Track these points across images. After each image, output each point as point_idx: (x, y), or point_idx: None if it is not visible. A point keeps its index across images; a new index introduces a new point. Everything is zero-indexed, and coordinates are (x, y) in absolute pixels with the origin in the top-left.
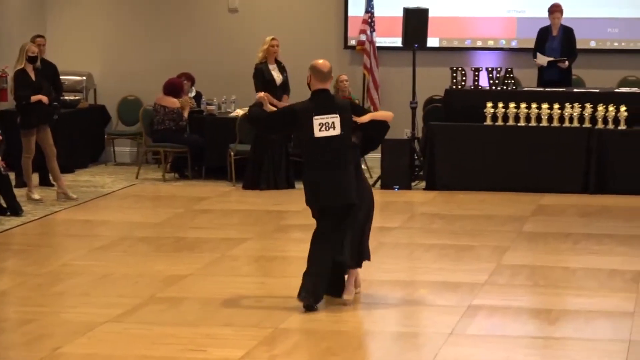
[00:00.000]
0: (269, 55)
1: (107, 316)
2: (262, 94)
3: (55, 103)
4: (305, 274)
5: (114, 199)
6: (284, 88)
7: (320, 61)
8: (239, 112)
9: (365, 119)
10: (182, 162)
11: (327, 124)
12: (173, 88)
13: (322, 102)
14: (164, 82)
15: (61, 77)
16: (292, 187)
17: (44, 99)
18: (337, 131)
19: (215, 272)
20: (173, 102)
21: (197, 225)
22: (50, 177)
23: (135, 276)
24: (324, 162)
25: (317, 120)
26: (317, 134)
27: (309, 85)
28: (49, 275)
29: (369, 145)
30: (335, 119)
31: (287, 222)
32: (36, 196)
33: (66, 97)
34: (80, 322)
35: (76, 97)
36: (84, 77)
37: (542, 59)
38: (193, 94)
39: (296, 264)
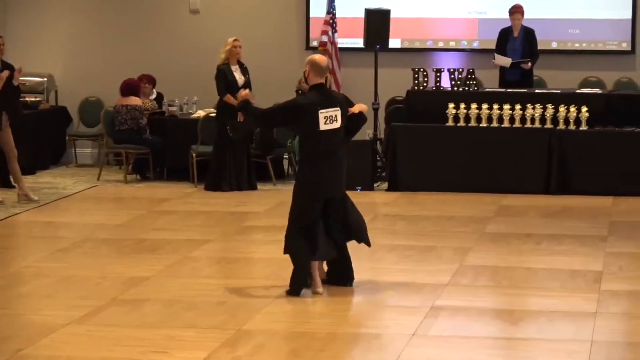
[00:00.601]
0: (231, 56)
1: (69, 318)
2: (244, 92)
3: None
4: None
5: (75, 200)
6: (246, 89)
7: (317, 56)
8: (201, 113)
9: (355, 109)
10: (144, 163)
11: (331, 117)
12: (130, 88)
13: (325, 96)
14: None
15: (22, 78)
16: (254, 188)
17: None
18: (338, 124)
19: (178, 274)
20: (135, 100)
21: (159, 226)
22: (11, 179)
23: (97, 278)
24: (328, 153)
25: (323, 114)
26: (323, 127)
27: (306, 79)
28: (11, 277)
29: (347, 138)
30: (337, 112)
31: (250, 224)
32: None
33: (27, 99)
34: (42, 324)
35: (37, 99)
36: (45, 79)
37: (504, 60)
38: (154, 95)
39: (259, 266)
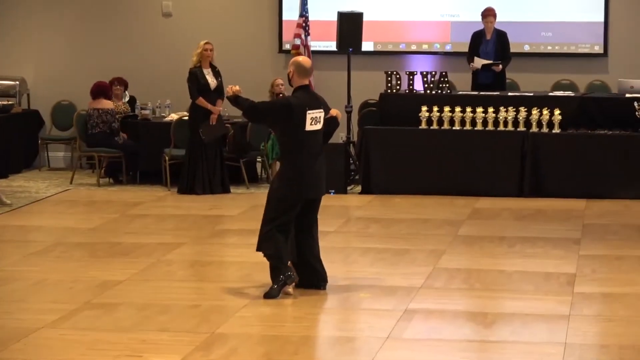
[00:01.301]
0: (202, 60)
1: (42, 322)
2: (235, 87)
3: None
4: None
5: (48, 204)
6: (219, 92)
7: (301, 58)
8: (174, 116)
9: (332, 113)
10: (117, 167)
11: (315, 119)
12: (101, 91)
13: (311, 97)
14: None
15: None
16: (228, 191)
17: None
18: (320, 125)
19: (151, 278)
20: (107, 103)
21: (132, 230)
22: None
23: (70, 282)
24: (311, 155)
25: (310, 115)
26: (308, 127)
27: (289, 81)
28: None
29: (324, 141)
30: (321, 114)
31: (223, 227)
32: None
33: None
34: (15, 328)
35: (9, 102)
36: (17, 82)
37: (477, 62)
38: (127, 98)
39: (232, 269)
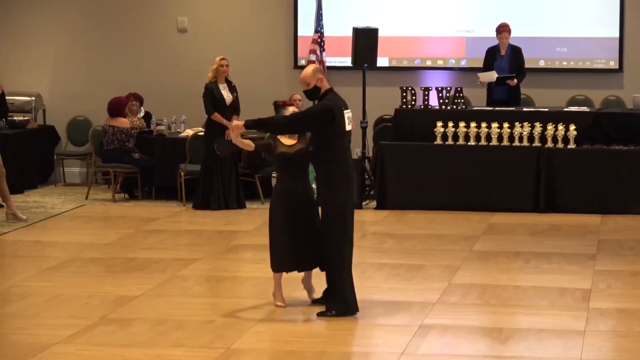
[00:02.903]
0: (218, 75)
1: (57, 337)
2: (239, 122)
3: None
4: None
5: (63, 219)
6: (235, 108)
7: (314, 65)
8: (189, 132)
9: None
10: (132, 182)
11: (349, 118)
12: (117, 108)
13: (339, 98)
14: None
15: (9, 97)
16: (243, 207)
17: None
18: (351, 127)
19: (166, 293)
20: (123, 122)
21: (148, 245)
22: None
23: (86, 297)
24: (349, 156)
25: (346, 114)
26: (347, 127)
27: (316, 86)
28: None
29: None
30: (350, 114)
31: (238, 242)
32: None
33: (15, 118)
34: (30, 343)
35: (25, 118)
36: (33, 98)
37: (488, 76)
38: (142, 114)
39: (247, 284)
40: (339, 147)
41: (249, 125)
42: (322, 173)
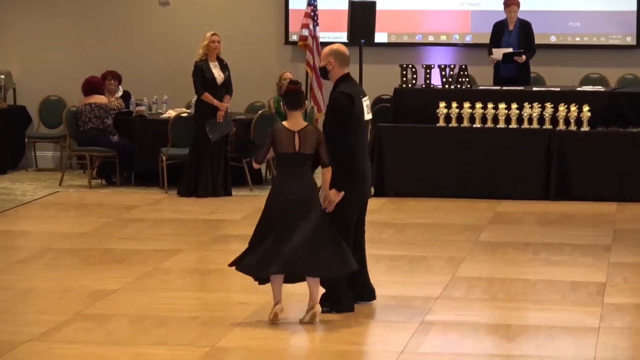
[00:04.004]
0: (209, 52)
1: (29, 335)
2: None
3: None
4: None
5: (35, 207)
6: (226, 87)
7: (337, 45)
8: (171, 113)
9: None
10: (110, 167)
11: (368, 106)
12: (92, 87)
13: (356, 85)
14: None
15: None
16: (230, 194)
17: None
18: (370, 115)
19: (147, 287)
20: (99, 98)
21: (127, 235)
22: None
23: (60, 291)
24: (365, 147)
25: (365, 103)
26: (366, 116)
27: (328, 72)
28: None
29: None
30: (368, 102)
31: (225, 232)
32: None
33: None
34: (0, 341)
35: None
36: (2, 76)
37: (497, 53)
38: (120, 93)
39: (234, 278)
40: (351, 139)
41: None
42: (334, 164)
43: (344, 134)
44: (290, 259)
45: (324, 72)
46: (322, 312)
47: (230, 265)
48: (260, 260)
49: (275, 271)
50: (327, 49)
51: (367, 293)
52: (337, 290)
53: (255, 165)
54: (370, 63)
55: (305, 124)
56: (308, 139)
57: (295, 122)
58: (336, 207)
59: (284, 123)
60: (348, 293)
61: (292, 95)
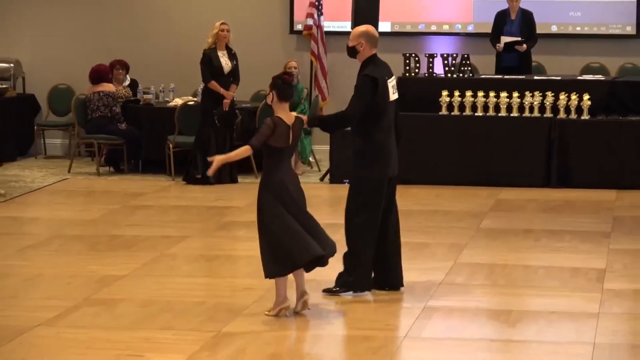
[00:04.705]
0: (218, 41)
1: (38, 320)
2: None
3: None
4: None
5: (44, 194)
6: (234, 76)
7: (365, 26)
8: (178, 101)
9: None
10: (118, 154)
11: (394, 87)
12: (100, 75)
13: (383, 65)
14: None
15: None
16: (235, 181)
17: None
18: (397, 95)
19: (154, 272)
20: (107, 86)
21: (134, 222)
22: None
23: (68, 277)
24: (390, 128)
25: (390, 83)
26: (391, 97)
27: (358, 52)
28: None
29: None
30: (394, 82)
31: (231, 219)
32: None
33: None
34: (9, 326)
35: (3, 86)
36: (12, 64)
37: (502, 41)
38: (128, 82)
39: (240, 264)
40: (378, 119)
41: (312, 123)
42: (356, 144)
43: (367, 117)
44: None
45: (353, 52)
46: (331, 292)
47: (269, 277)
48: (299, 249)
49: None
50: (357, 29)
51: (398, 282)
52: (361, 269)
53: (250, 151)
54: None
55: (294, 116)
56: (297, 132)
57: (287, 114)
58: (361, 193)
59: (280, 116)
60: (369, 272)
61: (287, 86)
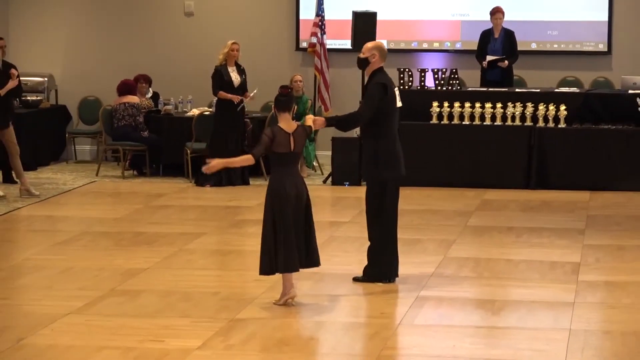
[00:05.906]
0: (228, 58)
1: (68, 308)
2: (317, 119)
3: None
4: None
5: (74, 195)
6: (243, 90)
7: (378, 42)
8: (195, 111)
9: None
10: (141, 160)
11: (398, 95)
12: (127, 88)
13: (387, 76)
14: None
15: (23, 78)
16: (247, 183)
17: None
18: (401, 103)
19: (173, 266)
20: (132, 98)
21: (156, 220)
22: (14, 175)
23: (96, 270)
24: (395, 132)
25: (397, 91)
26: (398, 103)
27: (369, 63)
28: (12, 269)
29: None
30: (397, 91)
31: (242, 218)
32: (0, 193)
33: (28, 98)
34: (42, 314)
35: (38, 98)
36: (46, 78)
37: (486, 59)
38: (150, 94)
39: (251, 258)
40: (387, 123)
41: (330, 123)
42: (369, 148)
43: (378, 120)
44: (306, 253)
45: (365, 63)
46: (361, 281)
47: (262, 274)
48: (286, 257)
49: (304, 267)
50: (371, 43)
51: (395, 273)
52: (385, 260)
53: (251, 160)
54: None
55: (296, 125)
56: (300, 139)
57: (287, 123)
58: (379, 192)
59: (280, 125)
60: (391, 262)
61: (283, 99)
